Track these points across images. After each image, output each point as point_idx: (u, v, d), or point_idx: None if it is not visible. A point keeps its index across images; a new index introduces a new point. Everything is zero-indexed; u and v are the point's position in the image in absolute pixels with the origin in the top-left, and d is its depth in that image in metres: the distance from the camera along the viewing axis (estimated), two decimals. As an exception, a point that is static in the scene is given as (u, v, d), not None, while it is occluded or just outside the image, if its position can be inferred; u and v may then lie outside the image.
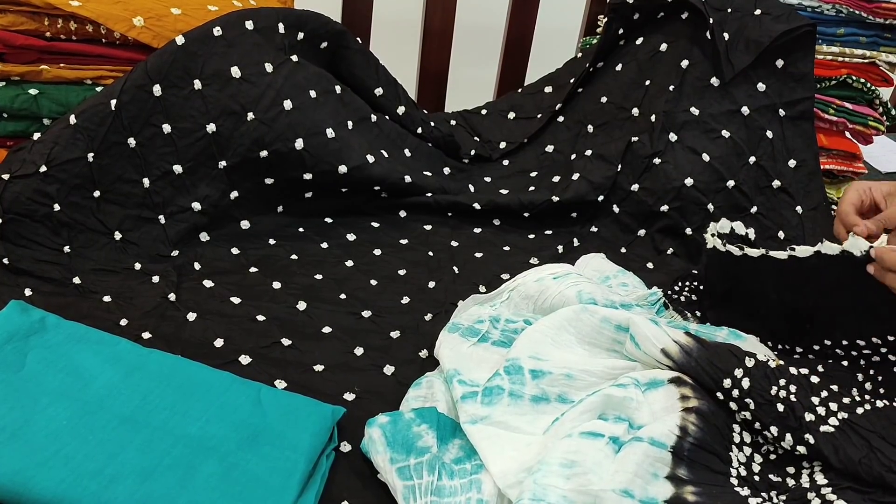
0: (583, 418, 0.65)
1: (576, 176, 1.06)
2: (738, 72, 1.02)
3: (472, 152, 1.14)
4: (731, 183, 1.02)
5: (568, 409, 0.67)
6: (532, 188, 1.09)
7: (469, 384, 0.70)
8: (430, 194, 1.04)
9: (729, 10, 1.03)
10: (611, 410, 0.66)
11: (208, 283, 0.87)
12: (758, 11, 1.03)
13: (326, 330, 0.83)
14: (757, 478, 0.66)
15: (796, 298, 0.79)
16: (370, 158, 0.98)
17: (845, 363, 0.78)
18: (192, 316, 0.81)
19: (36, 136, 0.87)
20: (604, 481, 0.59)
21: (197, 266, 0.89)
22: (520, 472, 0.62)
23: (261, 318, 0.82)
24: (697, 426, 0.64)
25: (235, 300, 0.85)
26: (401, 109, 1.07)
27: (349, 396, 0.74)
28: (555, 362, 0.71)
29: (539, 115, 1.18)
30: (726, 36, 1.02)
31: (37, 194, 0.83)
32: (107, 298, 0.82)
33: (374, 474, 0.65)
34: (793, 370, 0.69)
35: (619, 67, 1.13)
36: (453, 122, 1.19)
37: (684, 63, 1.05)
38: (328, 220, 1.01)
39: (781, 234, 1.01)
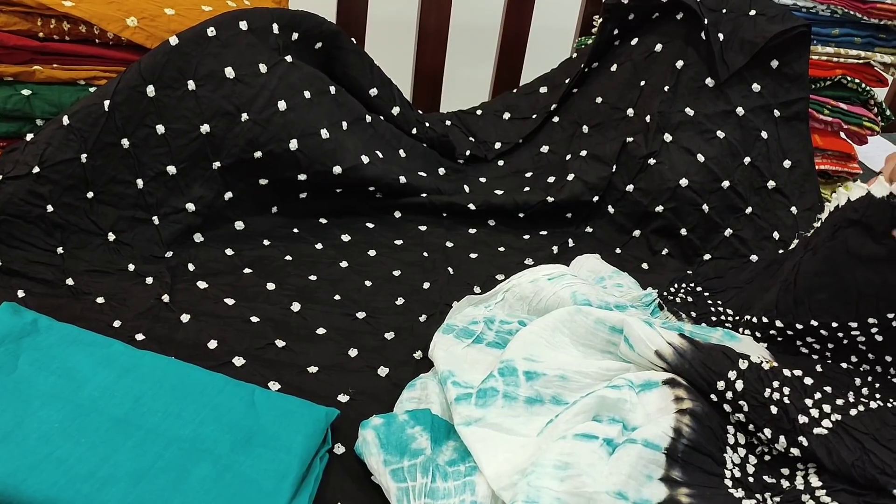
0: (577, 420, 0.65)
1: (571, 176, 1.06)
2: (732, 72, 1.02)
3: (468, 153, 1.14)
4: (725, 183, 1.02)
5: (562, 410, 0.67)
6: (527, 188, 1.09)
7: (463, 386, 0.69)
8: (424, 195, 1.04)
9: (724, 11, 1.03)
10: (605, 412, 0.66)
11: (202, 285, 0.86)
12: (752, 12, 1.03)
13: (321, 331, 0.82)
14: (751, 479, 0.66)
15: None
16: (365, 159, 0.98)
17: (844, 365, 0.78)
18: (185, 317, 0.81)
19: (29, 136, 0.87)
20: (598, 483, 0.59)
21: (191, 267, 0.89)
22: (514, 475, 0.62)
23: (255, 319, 0.82)
24: (691, 427, 0.65)
25: (229, 301, 0.84)
26: (396, 110, 1.07)
27: (343, 398, 0.74)
28: (549, 364, 0.71)
29: (534, 116, 1.18)
30: (721, 36, 1.02)
31: (30, 195, 0.83)
32: (100, 300, 0.82)
33: (368, 476, 0.65)
34: (786, 372, 0.69)
35: (614, 68, 1.13)
36: (448, 123, 1.19)
37: (679, 63, 1.05)
38: (323, 220, 1.01)
39: (776, 235, 1.01)
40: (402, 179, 1.02)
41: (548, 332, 0.74)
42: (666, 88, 1.05)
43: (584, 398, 0.66)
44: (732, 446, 0.67)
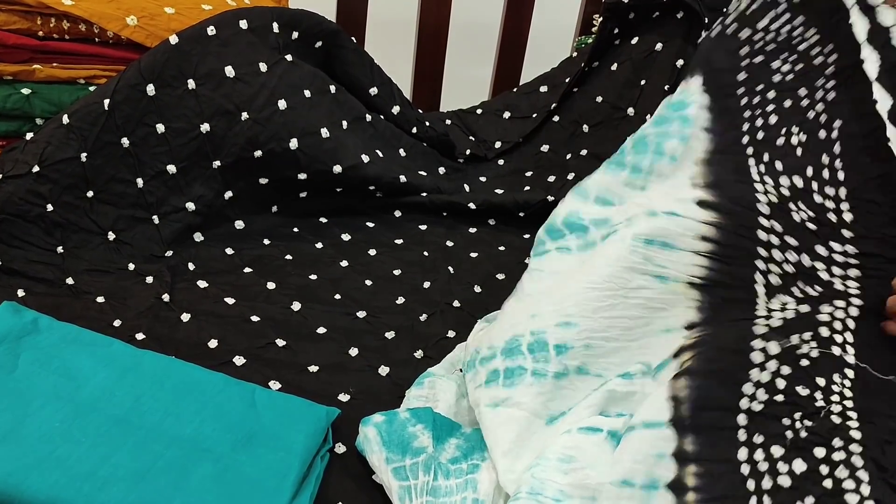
0: (585, 413, 0.65)
1: (571, 175, 1.06)
2: None
3: (468, 152, 1.14)
4: (726, 182, 1.02)
5: (584, 385, 0.66)
6: (527, 188, 1.09)
7: (489, 358, 0.68)
8: (425, 194, 1.04)
9: (724, 10, 1.03)
10: (612, 407, 0.66)
11: (202, 284, 0.86)
12: None
13: (321, 330, 0.82)
14: (780, 397, 0.61)
15: None
16: (365, 158, 0.98)
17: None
18: (186, 316, 0.81)
19: (28, 135, 0.87)
20: (601, 475, 0.59)
21: (191, 266, 0.89)
22: (523, 469, 0.62)
23: (255, 318, 0.82)
24: (690, 386, 0.61)
25: (230, 300, 0.84)
26: (396, 109, 1.07)
27: (344, 397, 0.74)
28: (581, 328, 0.67)
29: (534, 115, 1.18)
30: None
31: (30, 194, 0.83)
32: (100, 299, 0.81)
33: (369, 476, 0.65)
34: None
35: (614, 67, 1.13)
36: (448, 122, 1.19)
37: (679, 63, 1.05)
38: (323, 219, 1.00)
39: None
40: (403, 178, 1.01)
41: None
42: (666, 87, 1.05)
43: (595, 392, 0.66)
44: (760, 365, 0.63)
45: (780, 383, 0.62)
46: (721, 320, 0.66)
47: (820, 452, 0.59)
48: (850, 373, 0.63)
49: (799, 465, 0.59)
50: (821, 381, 0.62)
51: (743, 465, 0.60)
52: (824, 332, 0.64)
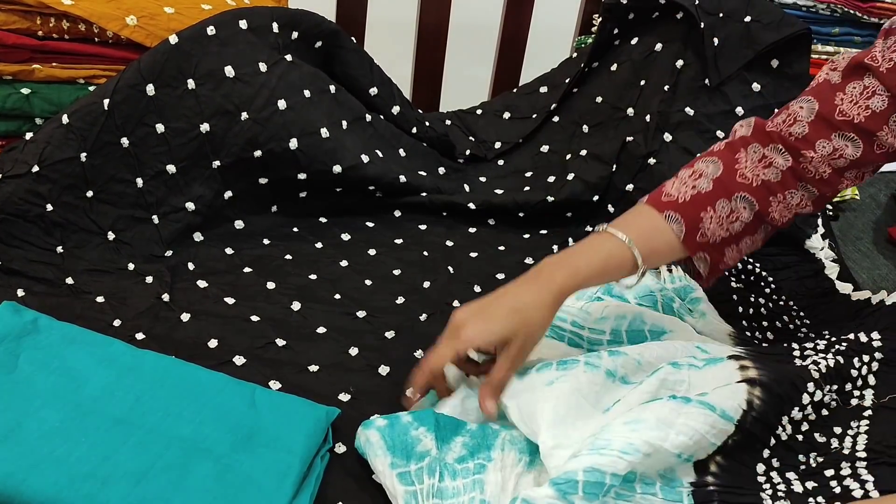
0: (637, 399, 0.66)
1: (571, 176, 1.06)
2: (723, 78, 1.02)
3: (467, 152, 1.14)
4: (725, 183, 1.02)
5: (627, 391, 0.67)
6: (527, 188, 1.09)
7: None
8: (424, 194, 1.04)
9: (720, 15, 1.03)
10: (664, 392, 0.67)
11: (202, 284, 0.86)
12: (748, 18, 1.02)
13: (321, 330, 0.82)
14: (800, 437, 0.68)
15: None
16: (365, 158, 0.98)
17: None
18: (185, 316, 0.81)
19: (28, 135, 0.87)
20: (668, 441, 0.61)
21: (191, 266, 0.89)
22: (567, 443, 0.62)
23: (255, 318, 0.82)
24: (761, 399, 0.66)
25: (229, 300, 0.84)
26: (395, 109, 1.07)
27: (344, 397, 0.74)
28: (631, 349, 0.72)
29: (534, 115, 1.18)
30: (716, 41, 1.02)
31: (29, 194, 0.83)
32: (100, 299, 0.81)
33: (369, 476, 0.65)
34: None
35: (613, 67, 1.13)
36: (448, 122, 1.19)
37: (679, 63, 1.05)
38: (322, 219, 1.00)
39: (776, 234, 1.01)
40: (402, 178, 1.01)
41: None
42: (666, 88, 1.05)
43: (648, 378, 0.67)
44: (802, 406, 0.68)
45: (804, 426, 0.69)
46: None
47: (829, 472, 0.65)
48: (865, 417, 0.70)
49: (811, 483, 0.64)
50: (837, 430, 0.69)
51: (759, 476, 0.65)
52: (848, 386, 0.71)
